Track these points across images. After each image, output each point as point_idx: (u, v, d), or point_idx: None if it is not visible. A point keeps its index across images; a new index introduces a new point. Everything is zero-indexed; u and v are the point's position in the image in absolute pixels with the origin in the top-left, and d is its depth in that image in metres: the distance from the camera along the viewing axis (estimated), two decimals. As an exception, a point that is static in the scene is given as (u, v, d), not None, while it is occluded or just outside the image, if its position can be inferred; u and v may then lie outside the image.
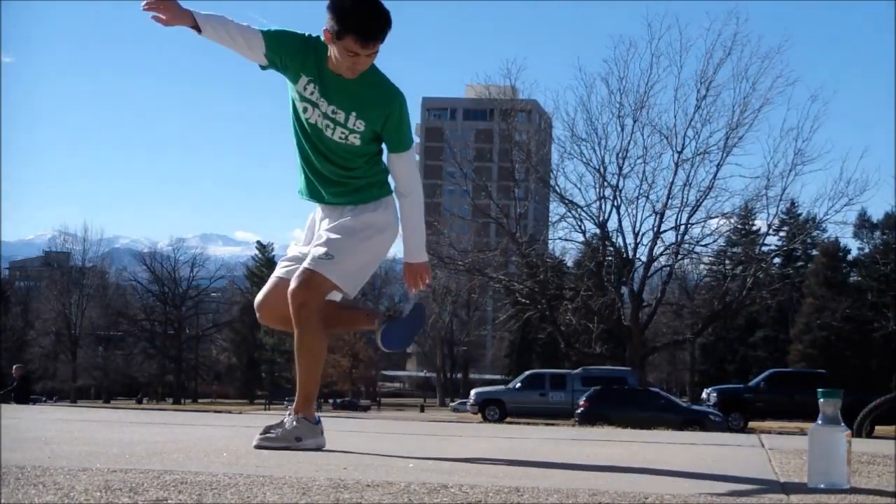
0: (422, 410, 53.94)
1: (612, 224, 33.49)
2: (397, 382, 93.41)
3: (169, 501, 1.95)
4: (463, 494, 2.13)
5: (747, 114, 31.98)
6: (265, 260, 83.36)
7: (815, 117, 32.26)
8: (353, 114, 3.32)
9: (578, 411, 24.26)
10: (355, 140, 3.35)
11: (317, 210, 3.55)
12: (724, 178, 32.75)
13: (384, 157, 3.49)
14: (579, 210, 33.39)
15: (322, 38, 3.25)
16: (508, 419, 27.43)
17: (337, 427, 5.00)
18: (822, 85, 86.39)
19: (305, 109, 3.33)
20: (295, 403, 3.51)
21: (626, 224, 33.58)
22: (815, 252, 59.21)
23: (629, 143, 32.50)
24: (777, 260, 39.78)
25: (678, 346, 50.13)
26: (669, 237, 33.46)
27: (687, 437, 5.68)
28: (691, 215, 32.73)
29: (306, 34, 3.34)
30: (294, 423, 3.39)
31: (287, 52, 3.30)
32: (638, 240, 33.36)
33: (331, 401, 62.97)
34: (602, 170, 32.70)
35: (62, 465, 2.45)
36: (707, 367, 66.44)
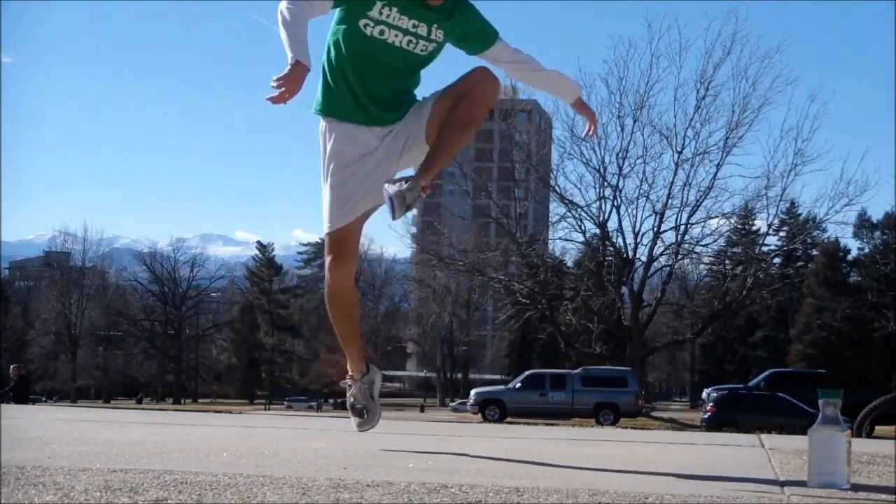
0: (422, 410, 53.92)
1: (612, 224, 33.54)
2: (397, 382, 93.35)
3: (169, 501, 1.95)
4: (463, 494, 2.13)
5: (747, 114, 32.03)
6: (265, 260, 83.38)
7: (815, 117, 32.32)
8: (434, 25, 3.37)
9: (706, 416, 22.85)
10: (432, 51, 3.41)
11: (353, 128, 3.42)
12: (724, 178, 32.79)
13: (482, 61, 3.54)
14: (579, 210, 33.43)
15: None
16: (508, 419, 27.42)
17: (337, 427, 5.00)
18: (821, 85, 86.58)
19: (382, 32, 3.32)
20: (428, 171, 3.26)
21: (626, 224, 33.62)
22: (815, 252, 59.22)
23: (629, 143, 32.54)
24: (777, 260, 39.80)
25: (678, 346, 50.18)
26: (669, 237, 33.50)
27: (687, 437, 5.68)
28: (691, 215, 32.77)
29: None
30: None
31: None
32: (638, 240, 33.40)
33: (331, 401, 62.97)
34: (602, 170, 32.72)
35: (62, 465, 2.45)
36: (707, 367, 66.46)
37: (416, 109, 3.44)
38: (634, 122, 32.54)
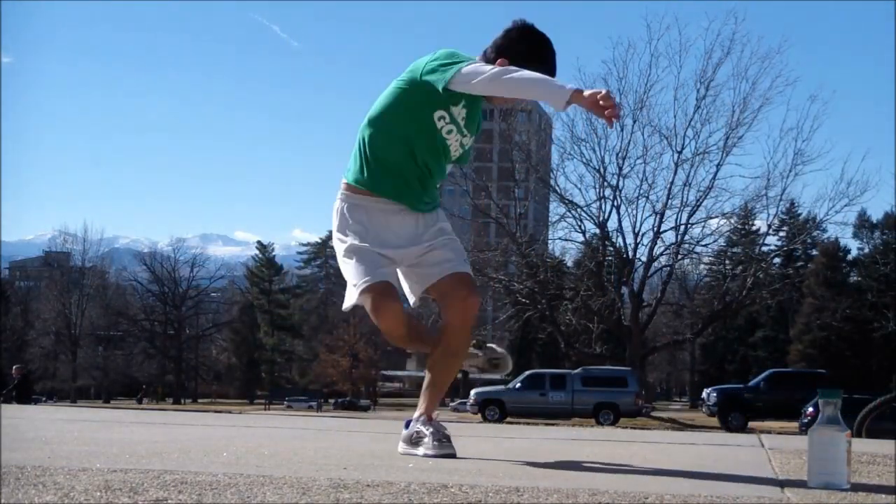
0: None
1: (612, 224, 33.56)
2: (397, 382, 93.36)
3: (169, 501, 1.95)
4: (463, 494, 2.13)
5: (747, 114, 32.05)
6: (265, 260, 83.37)
7: (815, 117, 32.37)
8: (473, 137, 3.38)
9: (805, 421, 20.55)
10: (454, 158, 3.39)
11: (385, 210, 3.30)
12: (724, 178, 32.82)
13: None
14: (579, 210, 33.44)
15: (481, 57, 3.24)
16: (508, 419, 27.42)
17: (337, 427, 5.00)
18: (821, 85, 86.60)
19: (451, 132, 3.25)
20: (429, 407, 3.34)
21: (626, 224, 33.64)
22: (815, 252, 59.23)
23: (629, 143, 32.55)
24: (777, 260, 39.81)
25: (678, 346, 50.19)
26: (669, 237, 33.52)
27: (687, 437, 5.68)
28: (691, 215, 32.78)
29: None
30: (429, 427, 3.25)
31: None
32: (638, 240, 33.41)
33: (331, 401, 62.96)
34: (602, 170, 32.74)
35: (62, 465, 2.45)
36: (707, 367, 66.45)
37: (447, 240, 3.35)
38: (634, 122, 32.59)
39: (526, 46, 3.23)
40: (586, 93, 2.96)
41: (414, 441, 3.22)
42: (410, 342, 3.48)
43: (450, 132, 3.25)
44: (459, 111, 3.23)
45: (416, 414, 3.30)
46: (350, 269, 3.26)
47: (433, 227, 3.35)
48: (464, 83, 3.11)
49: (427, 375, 3.42)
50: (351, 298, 3.25)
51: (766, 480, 2.71)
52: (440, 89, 3.14)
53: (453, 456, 3.12)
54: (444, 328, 3.34)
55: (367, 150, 3.29)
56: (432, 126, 3.22)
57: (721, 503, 2.13)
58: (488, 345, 3.68)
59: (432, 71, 3.17)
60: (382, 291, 3.20)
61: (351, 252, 3.26)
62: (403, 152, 3.26)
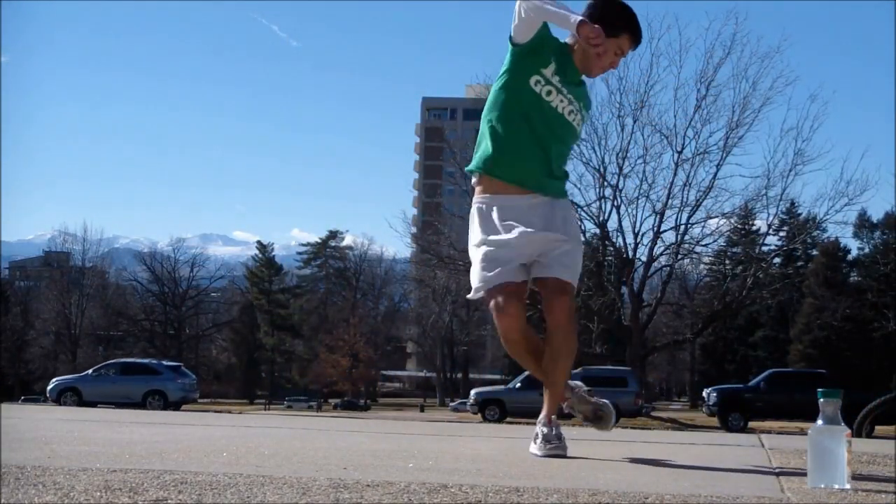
0: (422, 410, 53.94)
1: (612, 224, 33.51)
2: (397, 382, 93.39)
3: (169, 501, 1.95)
4: (463, 494, 2.13)
5: (747, 114, 31.98)
6: (265, 260, 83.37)
7: (815, 117, 32.33)
8: (582, 104, 3.47)
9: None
10: (579, 129, 3.51)
11: (512, 196, 3.38)
12: (724, 178, 32.76)
13: None
14: (579, 210, 33.38)
15: (573, 36, 3.32)
16: (508, 419, 27.40)
17: (337, 427, 5.00)
18: (821, 85, 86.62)
19: (549, 93, 3.35)
20: (549, 408, 3.47)
21: (626, 224, 33.59)
22: (815, 252, 59.22)
23: (629, 142, 32.51)
24: (777, 260, 39.76)
25: (678, 346, 50.15)
26: (669, 237, 33.48)
27: (687, 437, 5.68)
28: (691, 215, 32.74)
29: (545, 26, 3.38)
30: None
31: (548, 39, 3.34)
32: (638, 240, 33.37)
33: (331, 401, 62.97)
34: (602, 170, 32.70)
35: (62, 465, 2.45)
36: (707, 367, 66.44)
37: (572, 244, 3.44)
38: (634, 121, 32.52)
39: (613, 16, 3.35)
40: (585, 29, 3.11)
41: (534, 440, 3.37)
42: (523, 353, 3.55)
43: (549, 93, 3.34)
44: (551, 74, 3.34)
45: (540, 416, 3.44)
46: (476, 268, 3.39)
47: (567, 222, 3.46)
48: (514, 24, 3.30)
49: (544, 380, 3.54)
50: (477, 293, 3.41)
51: (766, 480, 2.71)
52: (511, 44, 3.32)
53: (561, 456, 3.25)
54: (547, 330, 3.49)
55: (488, 136, 3.41)
56: (532, 94, 3.34)
57: (721, 503, 2.13)
58: (595, 398, 3.84)
59: (509, 38, 3.36)
60: (507, 292, 3.36)
61: (482, 247, 3.38)
62: (524, 133, 3.36)
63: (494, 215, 3.39)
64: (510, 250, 3.35)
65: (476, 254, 3.40)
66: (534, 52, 3.31)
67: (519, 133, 3.35)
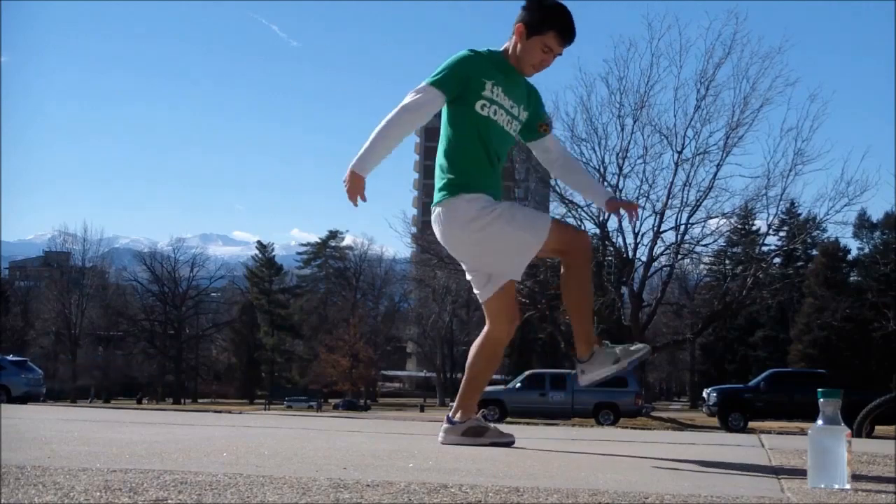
0: (422, 410, 53.90)
1: (612, 224, 33.51)
2: (397, 382, 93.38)
3: (169, 501, 1.95)
4: (463, 494, 2.13)
5: (747, 114, 31.96)
6: (265, 260, 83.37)
7: (815, 117, 32.32)
8: (522, 105, 3.60)
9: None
10: (517, 132, 3.66)
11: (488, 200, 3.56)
12: (724, 177, 32.75)
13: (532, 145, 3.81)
14: (579, 210, 33.39)
15: (510, 38, 3.51)
16: (508, 419, 27.42)
17: (337, 427, 5.00)
18: (821, 85, 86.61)
19: (495, 112, 3.49)
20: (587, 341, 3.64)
21: (626, 224, 33.60)
22: (815, 252, 59.21)
23: (629, 143, 32.51)
24: (777, 260, 39.75)
25: (678, 346, 50.14)
26: (669, 237, 33.48)
27: (687, 437, 5.68)
28: (691, 215, 32.73)
29: (467, 53, 3.50)
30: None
31: (462, 80, 3.45)
32: (638, 240, 33.38)
33: (331, 401, 62.96)
34: (602, 170, 32.70)
35: (62, 465, 2.45)
36: (707, 367, 66.46)
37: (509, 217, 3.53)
38: (634, 121, 32.52)
39: (538, 15, 3.50)
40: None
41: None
42: (486, 358, 3.85)
43: (494, 113, 3.49)
44: (492, 89, 3.47)
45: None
46: (488, 262, 3.59)
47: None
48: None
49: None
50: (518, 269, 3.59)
51: (766, 480, 2.71)
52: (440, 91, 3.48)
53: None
54: (563, 258, 3.66)
55: (448, 164, 3.56)
56: (481, 118, 3.48)
57: (721, 503, 2.13)
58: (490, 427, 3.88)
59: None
60: (508, 295, 3.67)
61: (484, 241, 3.52)
62: (487, 155, 3.54)
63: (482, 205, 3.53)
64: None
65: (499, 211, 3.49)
66: (465, 88, 3.45)
67: (480, 159, 3.52)
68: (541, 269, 33.91)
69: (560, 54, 3.54)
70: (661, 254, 33.84)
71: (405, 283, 77.24)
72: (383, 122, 3.41)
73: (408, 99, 3.43)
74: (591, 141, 32.72)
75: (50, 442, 3.26)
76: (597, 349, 3.63)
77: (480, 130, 3.49)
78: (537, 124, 3.72)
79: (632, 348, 3.60)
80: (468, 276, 3.73)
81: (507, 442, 3.70)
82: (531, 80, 3.68)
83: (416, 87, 3.45)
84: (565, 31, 3.47)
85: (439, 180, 3.57)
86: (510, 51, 3.54)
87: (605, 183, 32.78)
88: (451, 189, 3.53)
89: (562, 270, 3.59)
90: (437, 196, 3.58)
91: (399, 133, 3.45)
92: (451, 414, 3.78)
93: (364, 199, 3.46)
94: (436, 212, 3.59)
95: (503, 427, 4.02)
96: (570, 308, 3.62)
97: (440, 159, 3.58)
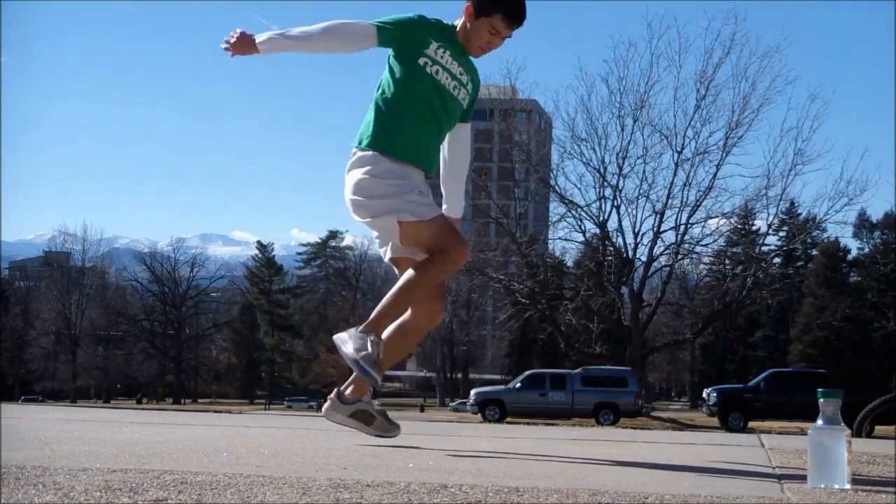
0: (422, 410, 53.91)
1: (612, 224, 33.55)
2: (397, 382, 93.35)
3: (169, 501, 1.95)
4: (463, 494, 2.13)
5: (747, 113, 32.02)
6: (265, 260, 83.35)
7: (815, 117, 32.39)
8: (471, 77, 3.55)
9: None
10: (464, 103, 3.56)
11: (408, 168, 3.45)
12: (724, 178, 32.81)
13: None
14: (579, 210, 33.41)
15: (461, 16, 3.47)
16: (508, 419, 27.41)
17: (337, 427, 5.00)
18: (821, 84, 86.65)
19: (437, 72, 3.43)
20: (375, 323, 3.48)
21: (626, 224, 33.64)
22: (815, 252, 59.22)
23: (629, 143, 32.54)
24: (777, 260, 39.78)
25: (678, 346, 50.16)
26: (669, 237, 33.50)
27: (687, 437, 5.68)
28: (691, 215, 32.76)
29: (416, 14, 3.46)
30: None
31: (404, 33, 3.41)
32: (638, 240, 33.40)
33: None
34: (602, 170, 32.73)
35: (62, 465, 2.45)
36: (707, 367, 66.44)
37: (424, 189, 3.48)
38: (634, 121, 32.57)
39: None
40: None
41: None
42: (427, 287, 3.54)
43: (437, 73, 3.42)
44: (436, 50, 3.42)
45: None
46: (411, 205, 3.35)
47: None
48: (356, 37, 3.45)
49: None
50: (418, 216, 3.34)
51: (766, 480, 2.71)
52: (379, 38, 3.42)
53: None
54: (438, 252, 3.46)
55: (375, 115, 3.46)
56: (422, 75, 3.41)
57: (721, 503, 2.13)
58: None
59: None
60: (448, 223, 3.48)
61: (397, 193, 3.36)
62: (419, 116, 3.44)
63: (391, 167, 3.41)
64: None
65: (408, 187, 3.38)
66: (407, 42, 3.41)
67: (421, 117, 3.43)
68: (541, 269, 33.92)
69: (509, 37, 3.47)
70: (661, 254, 33.88)
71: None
72: (313, 28, 3.39)
73: (346, 21, 3.40)
74: (591, 141, 32.77)
75: (50, 442, 3.26)
76: (367, 335, 3.38)
77: (421, 85, 3.40)
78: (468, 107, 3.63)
79: (363, 359, 3.29)
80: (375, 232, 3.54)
81: (391, 436, 3.55)
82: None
83: (363, 24, 3.40)
84: (513, 13, 3.40)
85: (372, 125, 3.44)
86: (458, 29, 3.49)
87: (605, 183, 32.82)
88: (380, 143, 3.40)
89: (419, 259, 3.45)
90: (363, 139, 3.44)
91: (319, 46, 3.41)
92: (343, 388, 3.61)
93: (233, 54, 3.49)
94: (356, 156, 3.44)
95: (505, 427, 3.98)
96: (395, 289, 3.47)
97: (377, 102, 3.46)
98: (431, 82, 3.41)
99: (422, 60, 3.39)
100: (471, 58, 3.54)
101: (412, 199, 3.35)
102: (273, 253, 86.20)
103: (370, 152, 3.41)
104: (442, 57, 3.42)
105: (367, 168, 3.39)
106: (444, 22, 3.51)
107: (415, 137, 3.43)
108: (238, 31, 3.50)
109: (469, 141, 3.71)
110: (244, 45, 3.46)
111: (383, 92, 3.45)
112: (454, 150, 3.66)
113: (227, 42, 3.50)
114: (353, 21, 3.41)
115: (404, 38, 3.40)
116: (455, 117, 3.55)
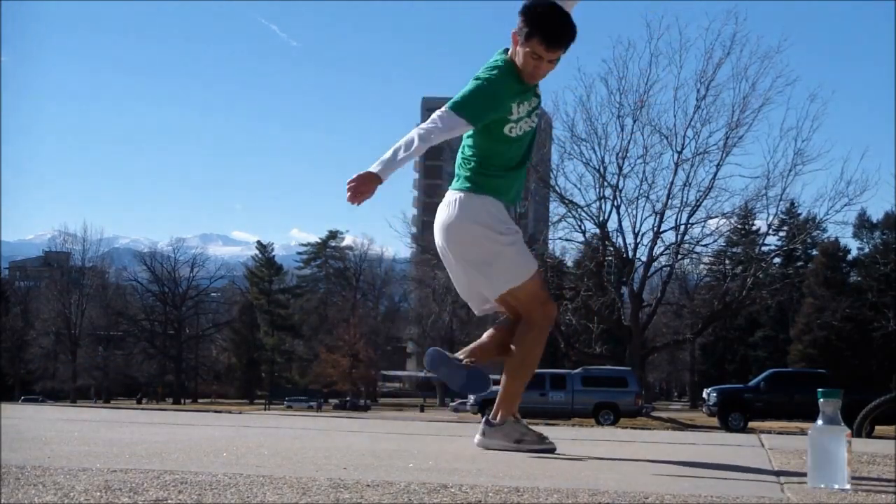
0: (422, 410, 53.92)
1: (612, 224, 33.51)
2: (397, 382, 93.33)
3: (169, 501, 1.95)
4: (463, 494, 2.13)
5: (747, 114, 31.98)
6: (265, 260, 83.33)
7: (815, 117, 32.34)
8: (538, 99, 3.61)
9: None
10: (536, 118, 3.63)
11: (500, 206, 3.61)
12: (724, 178, 32.77)
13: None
14: (579, 210, 33.38)
15: (508, 49, 3.47)
16: (508, 419, 27.37)
17: (337, 427, 5.00)
18: (821, 84, 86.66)
19: (522, 127, 3.52)
20: (508, 406, 3.71)
21: (626, 224, 33.60)
22: (815, 252, 59.21)
23: (629, 143, 32.51)
24: (777, 260, 39.78)
25: (678, 346, 50.14)
26: (669, 237, 33.49)
27: (687, 437, 5.68)
28: (691, 215, 32.74)
29: (493, 71, 3.44)
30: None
31: (493, 112, 3.43)
32: (638, 240, 33.38)
33: (331, 401, 62.93)
34: (602, 170, 32.71)
35: (62, 465, 2.45)
36: (707, 367, 66.44)
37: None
38: (634, 121, 32.53)
39: (521, 22, 3.41)
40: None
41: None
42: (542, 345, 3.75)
43: (521, 128, 3.52)
44: (517, 108, 3.48)
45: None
46: (514, 259, 3.58)
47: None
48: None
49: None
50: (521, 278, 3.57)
51: (766, 480, 2.71)
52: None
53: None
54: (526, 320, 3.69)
55: (475, 165, 3.58)
56: (510, 141, 3.52)
57: (721, 503, 2.13)
58: None
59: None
60: (542, 278, 3.71)
61: (506, 241, 3.56)
62: (512, 169, 3.60)
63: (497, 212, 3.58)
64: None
65: (512, 240, 3.57)
66: (495, 116, 3.44)
67: (507, 167, 3.55)
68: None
69: (556, 59, 3.41)
70: (661, 254, 33.87)
71: (405, 283, 77.25)
72: (414, 137, 3.32)
73: (440, 123, 3.35)
74: (591, 141, 32.74)
75: (50, 442, 3.26)
76: (510, 420, 3.60)
77: (509, 147, 3.51)
78: None
79: (539, 443, 3.54)
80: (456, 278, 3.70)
81: (549, 449, 3.56)
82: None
83: (447, 112, 3.35)
84: (550, 37, 3.32)
85: (464, 170, 3.54)
86: (511, 56, 3.47)
87: (605, 183, 32.84)
88: (477, 186, 3.51)
89: (520, 324, 3.59)
90: (458, 183, 3.55)
91: (423, 150, 3.38)
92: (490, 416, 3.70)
93: (368, 198, 3.39)
94: (454, 196, 3.53)
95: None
96: (510, 366, 3.63)
97: (466, 152, 3.55)
98: (518, 140, 3.53)
99: (507, 128, 3.46)
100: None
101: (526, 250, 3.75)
102: (273, 253, 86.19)
103: (483, 196, 3.57)
104: (521, 110, 3.47)
105: (489, 218, 3.58)
106: (506, 59, 3.46)
107: (507, 186, 3.61)
108: (353, 181, 3.29)
109: None
110: (369, 182, 3.27)
111: (477, 145, 3.54)
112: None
113: (351, 192, 3.27)
114: (444, 125, 3.35)
115: (492, 117, 3.43)
116: (532, 148, 3.67)
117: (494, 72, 3.42)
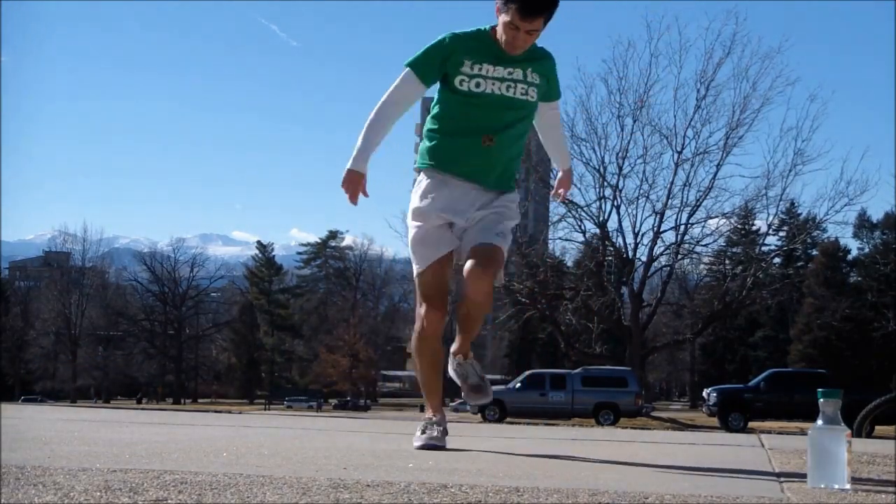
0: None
1: (612, 224, 33.53)
2: (397, 382, 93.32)
3: (169, 501, 1.95)
4: (463, 494, 2.13)
5: (747, 114, 32.01)
6: (265, 260, 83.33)
7: (815, 117, 32.37)
8: (529, 69, 3.50)
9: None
10: (533, 94, 3.53)
11: (455, 184, 3.55)
12: (724, 178, 32.79)
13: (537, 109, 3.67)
14: (579, 210, 33.39)
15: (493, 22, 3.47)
16: (508, 419, 27.40)
17: (337, 427, 5.00)
18: (821, 84, 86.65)
19: (479, 84, 3.45)
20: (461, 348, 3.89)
21: (626, 224, 33.62)
22: (815, 252, 59.21)
23: (629, 143, 32.53)
24: (777, 260, 39.78)
25: (678, 346, 50.16)
26: (669, 237, 33.50)
27: (687, 437, 5.68)
28: (691, 215, 32.76)
29: (444, 36, 3.50)
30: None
31: (439, 62, 3.46)
32: (638, 240, 33.39)
33: (331, 401, 62.94)
34: (602, 170, 32.72)
35: (62, 465, 2.45)
36: (707, 367, 66.43)
37: (495, 218, 3.66)
38: (634, 121, 32.56)
39: None
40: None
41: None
42: (425, 358, 3.86)
43: (478, 85, 3.45)
44: (471, 66, 3.44)
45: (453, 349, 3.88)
46: (410, 247, 3.68)
47: (500, 204, 3.67)
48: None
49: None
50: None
51: (766, 480, 2.71)
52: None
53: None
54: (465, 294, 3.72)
55: (425, 137, 3.61)
56: (460, 94, 3.46)
57: (721, 503, 2.13)
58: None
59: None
60: (430, 283, 3.72)
61: (412, 226, 3.64)
62: (463, 133, 3.52)
63: (430, 191, 3.58)
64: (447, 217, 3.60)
65: (415, 226, 3.68)
66: (444, 68, 3.46)
67: (458, 132, 3.51)
68: (541, 270, 33.92)
69: (535, 30, 3.34)
70: (661, 254, 33.88)
71: (405, 283, 77.21)
72: (371, 117, 3.47)
73: (390, 90, 3.48)
74: (591, 141, 32.76)
75: (50, 442, 3.26)
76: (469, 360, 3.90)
77: (461, 107, 3.47)
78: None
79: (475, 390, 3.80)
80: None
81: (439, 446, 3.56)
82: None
83: (401, 75, 3.47)
84: (525, 5, 3.27)
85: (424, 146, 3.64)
86: (495, 33, 3.47)
87: (605, 183, 32.83)
88: (421, 157, 3.59)
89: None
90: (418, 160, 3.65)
91: (387, 124, 3.50)
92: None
93: (366, 195, 3.50)
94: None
95: (505, 427, 4.04)
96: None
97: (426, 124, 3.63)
98: (473, 99, 3.46)
99: (458, 80, 3.44)
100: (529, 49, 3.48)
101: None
102: (273, 253, 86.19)
103: (422, 172, 3.63)
104: (480, 69, 3.43)
105: (416, 198, 3.67)
106: (481, 29, 3.49)
107: (456, 156, 3.54)
108: (343, 185, 3.47)
109: (553, 116, 3.83)
110: (353, 182, 3.45)
111: (431, 114, 3.60)
112: (541, 126, 3.82)
113: (347, 195, 3.48)
114: (394, 85, 3.47)
115: (441, 67, 3.45)
116: (513, 116, 3.52)
117: (441, 35, 3.51)
